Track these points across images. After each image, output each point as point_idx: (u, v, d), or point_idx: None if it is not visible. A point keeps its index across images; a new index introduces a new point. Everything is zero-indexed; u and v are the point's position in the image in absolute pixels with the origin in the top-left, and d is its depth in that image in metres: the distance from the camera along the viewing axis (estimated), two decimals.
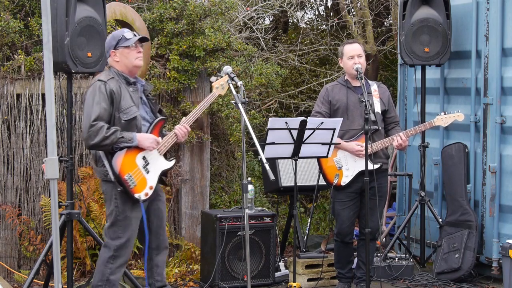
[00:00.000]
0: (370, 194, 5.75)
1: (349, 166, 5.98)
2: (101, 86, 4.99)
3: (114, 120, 5.00)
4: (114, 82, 5.04)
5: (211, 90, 5.56)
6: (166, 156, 5.27)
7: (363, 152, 5.81)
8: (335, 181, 5.97)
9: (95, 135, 4.88)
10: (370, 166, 5.72)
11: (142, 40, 5.20)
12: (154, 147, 5.10)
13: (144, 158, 5.09)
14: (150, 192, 5.11)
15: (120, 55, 5.11)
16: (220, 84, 5.42)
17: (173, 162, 5.31)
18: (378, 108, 5.99)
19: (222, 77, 5.42)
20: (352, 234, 6.14)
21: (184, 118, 5.36)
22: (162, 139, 5.22)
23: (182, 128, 5.25)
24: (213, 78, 5.50)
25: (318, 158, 6.00)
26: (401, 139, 5.97)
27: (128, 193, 5.00)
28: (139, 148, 5.05)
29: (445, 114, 6.22)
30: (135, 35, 5.15)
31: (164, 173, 5.30)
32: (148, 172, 5.11)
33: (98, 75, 5.18)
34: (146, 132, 5.13)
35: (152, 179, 5.13)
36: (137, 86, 5.19)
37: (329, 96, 6.05)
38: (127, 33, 5.14)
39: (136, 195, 5.02)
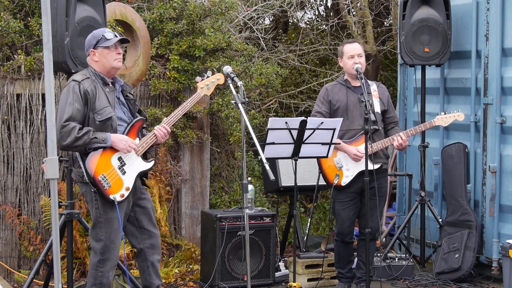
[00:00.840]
0: (370, 194, 5.75)
1: (349, 166, 5.98)
2: (75, 87, 4.89)
3: (88, 121, 4.90)
4: (89, 82, 4.94)
5: (198, 82, 5.44)
6: (146, 156, 5.15)
7: (360, 159, 5.84)
8: (335, 182, 5.96)
9: (67, 136, 4.78)
10: (370, 166, 5.72)
11: (123, 41, 5.09)
12: (128, 149, 4.97)
13: (120, 158, 4.98)
14: (126, 193, 4.98)
15: (99, 55, 4.99)
16: (205, 84, 5.31)
17: (152, 163, 5.16)
18: (377, 108, 5.99)
19: (208, 77, 5.34)
20: (352, 234, 6.14)
21: (165, 118, 5.24)
22: (140, 139, 5.11)
23: (161, 129, 5.11)
24: (198, 78, 5.41)
25: (318, 158, 6.00)
26: (402, 139, 5.96)
27: (103, 194, 4.90)
28: (113, 149, 4.95)
29: (445, 113, 6.22)
30: (116, 36, 5.02)
31: (144, 174, 5.19)
32: (124, 173, 4.99)
33: (74, 75, 5.07)
34: (123, 133, 5.02)
35: (128, 180, 5.00)
36: (115, 86, 5.10)
37: (329, 96, 6.04)
38: (108, 33, 5.01)
39: (111, 196, 4.91)
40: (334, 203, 6.10)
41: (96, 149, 4.88)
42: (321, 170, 6.06)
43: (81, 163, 4.91)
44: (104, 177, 4.90)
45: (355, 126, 5.96)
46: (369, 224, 5.75)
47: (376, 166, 5.87)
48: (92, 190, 4.92)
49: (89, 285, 5.11)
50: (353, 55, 5.95)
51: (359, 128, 5.94)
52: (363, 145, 5.81)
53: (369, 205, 5.72)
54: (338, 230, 6.10)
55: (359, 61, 5.92)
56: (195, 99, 5.30)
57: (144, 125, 5.24)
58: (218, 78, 5.34)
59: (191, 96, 5.31)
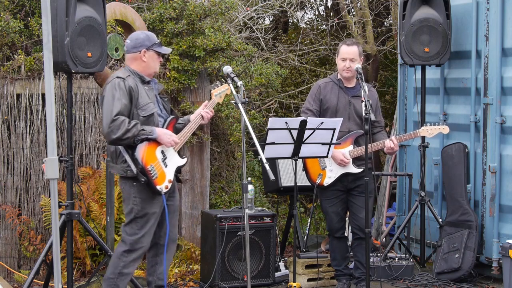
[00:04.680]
0: (357, 192, 5.96)
1: (332, 167, 6.02)
2: (120, 83, 5.06)
3: (132, 116, 5.08)
4: (131, 79, 5.13)
5: (212, 90, 5.60)
6: (180, 153, 5.36)
7: (345, 164, 5.96)
8: (318, 181, 6.04)
9: (117, 129, 4.94)
10: (354, 170, 5.94)
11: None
12: (172, 144, 5.18)
13: (162, 152, 5.18)
14: (169, 186, 5.18)
15: (149, 57, 5.21)
16: (218, 93, 5.56)
17: (185, 159, 5.37)
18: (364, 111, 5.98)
19: (222, 84, 5.54)
20: (343, 230, 6.22)
21: (203, 104, 5.48)
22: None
23: (208, 112, 5.41)
24: (211, 87, 5.63)
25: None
26: (394, 143, 5.95)
27: (151, 184, 5.06)
28: (157, 142, 5.13)
29: (431, 125, 6.20)
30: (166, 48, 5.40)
31: (178, 170, 5.37)
32: (166, 166, 5.19)
33: (115, 73, 5.26)
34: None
35: (170, 173, 5.21)
36: (151, 85, 5.29)
37: (321, 94, 6.06)
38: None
39: (158, 187, 5.09)
40: (321, 201, 6.21)
41: (141, 141, 5.04)
42: (305, 169, 6.12)
43: (126, 156, 5.05)
44: (153, 167, 5.08)
45: (343, 128, 5.94)
46: (358, 222, 5.94)
47: (359, 170, 5.93)
48: (142, 179, 5.02)
49: (109, 273, 5.19)
50: (345, 58, 5.98)
51: (346, 130, 5.99)
52: (348, 148, 5.97)
53: (357, 203, 5.93)
54: (328, 226, 6.21)
55: (351, 65, 5.92)
56: (212, 105, 5.52)
57: (177, 123, 5.41)
58: (226, 88, 5.55)
59: (209, 102, 5.49)
